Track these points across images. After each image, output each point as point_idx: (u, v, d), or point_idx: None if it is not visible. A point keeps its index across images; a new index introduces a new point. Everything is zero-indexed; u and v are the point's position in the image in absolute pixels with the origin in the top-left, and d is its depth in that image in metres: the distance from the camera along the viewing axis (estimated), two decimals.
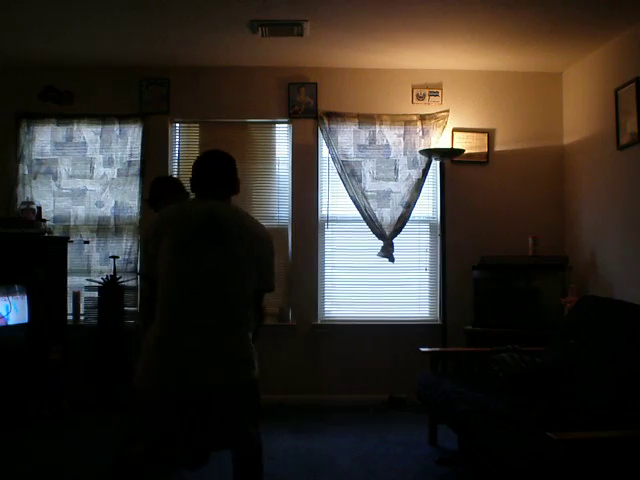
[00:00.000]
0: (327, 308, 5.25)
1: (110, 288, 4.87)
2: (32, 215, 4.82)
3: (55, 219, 5.08)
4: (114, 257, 4.96)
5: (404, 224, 5.11)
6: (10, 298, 4.44)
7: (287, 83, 5.18)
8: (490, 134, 5.23)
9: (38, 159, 5.14)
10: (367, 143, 5.17)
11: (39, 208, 4.91)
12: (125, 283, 4.96)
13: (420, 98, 5.20)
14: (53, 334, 4.63)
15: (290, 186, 5.20)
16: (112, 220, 5.13)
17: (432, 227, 5.25)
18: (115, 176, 5.13)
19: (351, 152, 5.14)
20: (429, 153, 4.96)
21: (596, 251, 4.69)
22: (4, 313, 4.39)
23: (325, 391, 5.09)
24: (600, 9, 3.90)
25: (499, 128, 5.24)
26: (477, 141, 5.21)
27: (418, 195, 5.12)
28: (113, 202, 5.12)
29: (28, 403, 4.47)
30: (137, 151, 5.13)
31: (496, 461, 2.74)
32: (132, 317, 5.06)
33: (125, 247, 5.10)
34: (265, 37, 4.35)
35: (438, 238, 5.10)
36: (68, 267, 4.85)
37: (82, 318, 5.05)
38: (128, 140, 5.14)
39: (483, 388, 3.54)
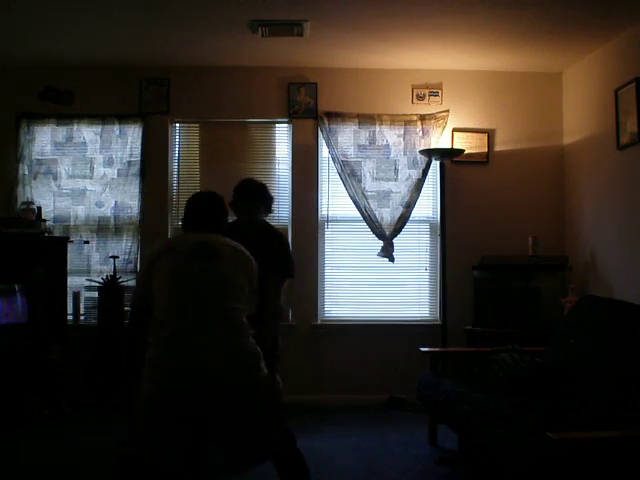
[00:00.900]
0: (327, 308, 5.25)
1: (110, 288, 4.87)
2: (32, 215, 4.82)
3: (55, 219, 5.08)
4: (114, 257, 4.96)
5: (404, 224, 5.11)
6: (10, 298, 4.44)
7: (287, 83, 5.18)
8: (490, 134, 5.23)
9: (38, 159, 5.14)
10: (367, 143, 5.17)
11: (39, 208, 4.91)
12: (125, 283, 4.96)
13: (420, 98, 5.20)
14: (53, 334, 4.64)
15: (290, 186, 5.20)
16: (112, 220, 5.13)
17: (432, 227, 5.25)
18: (115, 176, 5.14)
19: (351, 152, 5.14)
20: (429, 153, 4.96)
21: (596, 251, 4.69)
22: (4, 313, 4.39)
23: (325, 391, 5.09)
24: (600, 9, 3.90)
25: (499, 128, 5.24)
26: (477, 141, 5.21)
27: (418, 195, 5.12)
28: (113, 202, 5.12)
29: (28, 403, 4.47)
30: (137, 151, 5.13)
31: (496, 461, 2.74)
32: None
33: (125, 247, 5.10)
34: (265, 37, 4.35)
35: (438, 238, 5.10)
36: (68, 267, 4.85)
37: (82, 318, 5.05)
38: (128, 140, 5.14)
39: (483, 388, 3.54)
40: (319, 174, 5.21)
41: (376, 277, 5.21)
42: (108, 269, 5.00)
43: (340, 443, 4.12)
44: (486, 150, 5.21)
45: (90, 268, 5.11)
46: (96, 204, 5.13)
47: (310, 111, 5.17)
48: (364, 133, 5.16)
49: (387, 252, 5.08)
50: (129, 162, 5.13)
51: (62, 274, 4.78)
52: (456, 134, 5.20)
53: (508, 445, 2.67)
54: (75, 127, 5.15)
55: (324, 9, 3.96)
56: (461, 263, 5.00)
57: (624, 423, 2.73)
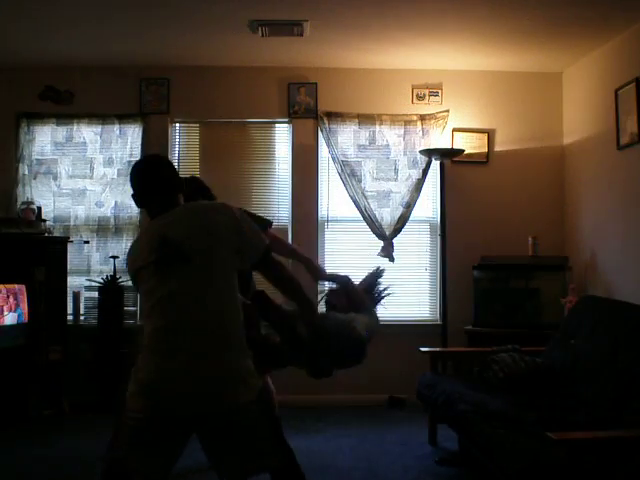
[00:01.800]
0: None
1: (110, 288, 4.87)
2: (32, 215, 4.82)
3: (55, 219, 5.08)
4: (114, 257, 4.96)
5: (404, 224, 5.11)
6: (10, 298, 4.44)
7: (287, 83, 5.18)
8: (490, 134, 5.23)
9: (38, 159, 5.14)
10: (367, 143, 5.17)
11: (39, 208, 4.91)
12: (125, 283, 4.96)
13: (420, 98, 5.20)
14: (53, 334, 4.64)
15: (290, 186, 5.20)
16: (112, 220, 5.14)
17: (432, 227, 5.25)
18: (115, 176, 5.14)
19: (351, 152, 5.14)
20: (429, 153, 4.96)
21: (596, 251, 4.69)
22: (4, 313, 4.39)
23: (325, 391, 5.08)
24: (600, 9, 3.90)
25: (499, 128, 5.24)
26: (477, 141, 5.21)
27: (418, 195, 5.12)
28: (113, 202, 5.13)
29: (28, 403, 4.47)
30: (137, 151, 5.13)
31: (496, 461, 2.74)
32: (132, 317, 5.07)
33: (125, 247, 5.09)
34: (265, 37, 4.35)
35: (438, 238, 5.10)
36: (68, 267, 4.86)
37: (82, 318, 5.05)
38: (128, 140, 5.15)
39: (483, 388, 3.54)
40: (319, 174, 5.21)
41: None
42: (108, 269, 5.00)
43: (340, 443, 4.12)
44: (486, 150, 5.21)
45: (90, 268, 5.11)
46: (96, 204, 5.13)
47: (310, 111, 5.17)
48: (364, 133, 5.16)
49: (387, 252, 5.08)
50: (129, 162, 5.12)
51: (62, 274, 4.78)
52: (456, 134, 5.20)
53: (508, 445, 2.67)
54: (75, 127, 5.15)
55: (324, 9, 3.96)
56: (461, 263, 5.00)
57: (624, 423, 2.73)
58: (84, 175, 5.14)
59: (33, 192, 5.08)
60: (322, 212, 5.21)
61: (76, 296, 5.02)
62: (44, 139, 5.15)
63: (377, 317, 3.09)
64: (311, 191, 5.18)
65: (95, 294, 4.96)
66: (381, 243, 5.09)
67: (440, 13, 4.00)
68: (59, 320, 4.73)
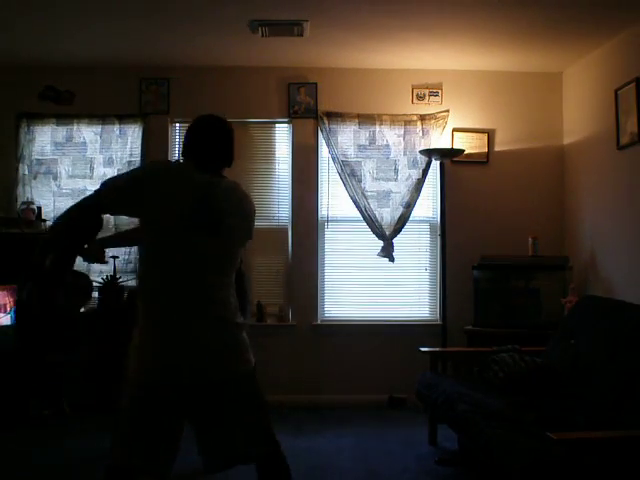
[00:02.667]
0: (327, 308, 5.25)
1: (110, 288, 4.87)
2: (32, 215, 4.83)
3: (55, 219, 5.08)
4: (114, 257, 4.96)
5: (404, 224, 5.11)
6: (10, 298, 4.44)
7: (287, 83, 5.18)
8: (490, 134, 5.23)
9: (38, 159, 5.14)
10: (367, 143, 5.17)
11: (39, 208, 4.91)
12: (125, 283, 4.96)
13: (420, 98, 5.20)
14: (53, 334, 4.63)
15: (290, 186, 5.20)
16: (112, 220, 5.13)
17: (432, 227, 5.25)
18: None
19: (351, 152, 5.14)
20: (429, 153, 4.96)
21: (596, 251, 4.69)
22: (4, 313, 4.39)
23: (325, 391, 5.09)
24: (600, 9, 3.90)
25: (499, 128, 5.24)
26: (477, 141, 5.21)
27: (418, 195, 5.12)
28: None
29: (28, 403, 4.48)
30: (137, 151, 5.13)
31: (496, 461, 2.74)
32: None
33: (125, 247, 5.09)
34: (265, 37, 4.35)
35: (438, 238, 5.10)
36: None
37: None
38: (128, 140, 5.15)
39: (483, 388, 3.54)
40: (319, 174, 5.21)
41: (376, 277, 5.21)
42: (108, 269, 4.99)
43: (340, 443, 4.12)
44: (486, 150, 5.21)
45: (90, 268, 5.10)
46: None
47: (310, 111, 5.17)
48: (364, 133, 5.16)
49: (387, 252, 5.08)
50: (129, 162, 5.13)
51: None
52: (456, 134, 5.20)
53: (508, 445, 2.67)
54: (75, 127, 5.15)
55: (324, 9, 3.96)
56: (461, 263, 5.00)
57: (624, 423, 2.73)
58: (84, 175, 5.14)
59: (33, 192, 5.08)
60: (322, 212, 5.21)
61: None
62: (44, 139, 5.15)
63: None
64: (311, 191, 5.18)
65: (95, 294, 4.95)
66: (381, 243, 5.09)
67: (440, 13, 4.00)
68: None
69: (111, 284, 4.88)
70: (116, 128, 5.15)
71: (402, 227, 5.10)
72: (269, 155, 5.27)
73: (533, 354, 3.72)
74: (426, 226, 5.27)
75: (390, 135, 5.16)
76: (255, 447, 2.20)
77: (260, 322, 5.05)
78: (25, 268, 2.38)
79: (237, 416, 2.17)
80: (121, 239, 3.17)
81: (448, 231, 4.97)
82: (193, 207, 2.10)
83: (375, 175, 5.14)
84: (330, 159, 5.15)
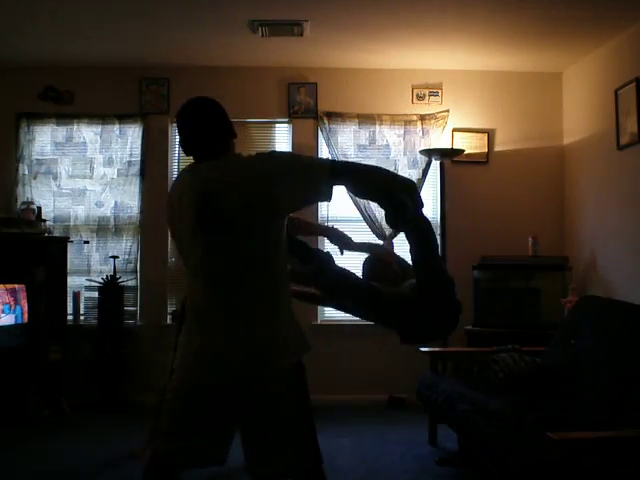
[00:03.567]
0: (327, 308, 5.24)
1: (110, 288, 4.87)
2: (32, 215, 4.82)
3: (55, 219, 5.08)
4: (114, 257, 4.96)
5: None
6: (10, 298, 4.44)
7: (287, 83, 5.18)
8: (490, 134, 5.23)
9: (38, 159, 5.14)
10: (367, 143, 5.17)
11: (39, 208, 4.91)
12: (125, 283, 4.96)
13: (420, 98, 5.20)
14: (53, 334, 4.64)
15: None
16: (112, 220, 5.13)
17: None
18: (115, 176, 5.13)
19: (351, 152, 5.14)
20: (429, 153, 4.96)
21: (596, 251, 4.69)
22: (4, 313, 4.39)
23: (325, 391, 5.07)
24: (600, 9, 3.90)
25: (499, 128, 5.24)
26: (477, 141, 5.21)
27: None
28: (113, 202, 5.12)
29: (28, 403, 4.47)
30: (137, 151, 5.13)
31: (496, 461, 2.74)
32: (132, 317, 5.07)
33: (125, 247, 5.10)
34: (265, 37, 4.35)
35: (438, 238, 5.09)
36: (68, 267, 4.85)
37: (82, 318, 5.05)
38: (128, 140, 5.15)
39: (483, 388, 3.54)
40: None
41: None
42: (108, 269, 5.00)
43: (340, 443, 4.12)
44: (486, 150, 5.21)
45: (90, 268, 5.11)
46: (96, 204, 5.13)
47: (310, 111, 5.17)
48: (364, 133, 5.16)
49: None
50: (129, 162, 5.13)
51: (62, 274, 4.78)
52: (456, 134, 5.20)
53: (508, 445, 2.67)
54: (75, 127, 5.15)
55: (324, 9, 3.96)
56: (461, 263, 4.98)
57: (624, 423, 2.73)
58: (84, 175, 5.14)
59: (33, 192, 5.08)
60: (322, 212, 5.21)
61: (76, 296, 5.02)
62: (44, 139, 5.15)
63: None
64: None
65: (95, 294, 4.96)
66: (381, 243, 5.09)
67: (440, 13, 4.00)
68: (59, 320, 4.73)
69: (111, 284, 4.88)
70: (116, 128, 5.15)
71: None
72: None
73: (533, 354, 3.72)
74: None
75: (390, 135, 5.16)
76: (302, 458, 2.11)
77: None
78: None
79: (277, 412, 2.06)
80: None
81: (448, 231, 4.96)
82: (195, 210, 1.99)
83: None
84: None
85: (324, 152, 5.20)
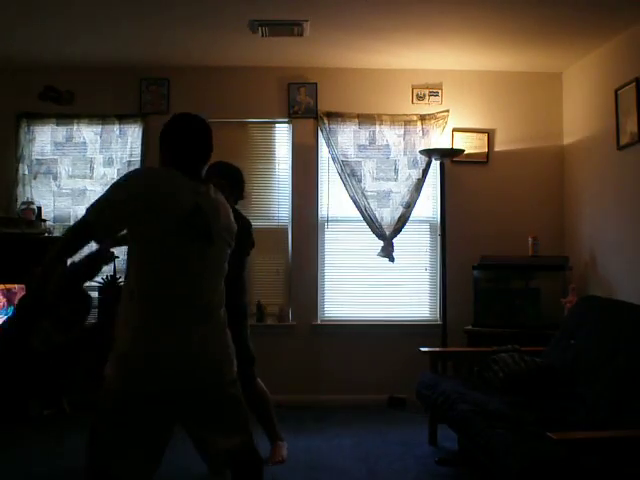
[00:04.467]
0: (327, 308, 5.24)
1: (110, 288, 4.87)
2: (32, 215, 4.82)
3: (55, 219, 5.08)
4: (114, 257, 4.95)
5: (404, 224, 5.11)
6: (10, 298, 4.44)
7: (287, 83, 5.18)
8: (490, 134, 5.23)
9: (38, 159, 5.14)
10: (367, 143, 5.17)
11: (39, 208, 4.91)
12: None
13: (420, 98, 5.20)
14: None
15: (290, 186, 5.19)
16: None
17: (432, 227, 5.25)
18: (115, 176, 5.12)
19: (351, 152, 5.14)
20: (429, 153, 4.96)
21: (596, 251, 4.69)
22: (4, 313, 4.40)
23: (325, 391, 5.08)
24: (600, 9, 3.90)
25: (499, 128, 5.24)
26: (477, 141, 5.21)
27: (418, 195, 5.12)
28: None
29: (28, 403, 4.47)
30: (137, 151, 5.13)
31: (496, 461, 2.74)
32: None
33: (125, 247, 5.08)
34: (265, 37, 4.35)
35: (438, 238, 5.10)
36: None
37: None
38: (128, 140, 5.15)
39: (483, 388, 3.55)
40: (319, 174, 5.21)
41: (376, 277, 5.21)
42: (108, 269, 4.99)
43: (340, 443, 4.12)
44: (486, 150, 5.21)
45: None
46: None
47: (310, 111, 5.17)
48: (364, 133, 5.16)
49: (387, 252, 5.08)
50: (129, 162, 5.13)
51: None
52: (456, 134, 5.20)
53: (508, 445, 2.67)
54: (75, 127, 5.15)
55: (324, 9, 3.96)
56: (461, 263, 5.00)
57: (624, 423, 2.73)
58: (84, 175, 5.14)
59: (33, 192, 5.08)
60: (322, 212, 5.21)
61: None
62: (44, 139, 5.15)
63: None
64: (311, 191, 5.18)
65: (95, 294, 4.95)
66: (381, 243, 5.09)
67: (440, 13, 4.00)
68: None
69: (111, 284, 4.88)
70: (116, 128, 5.15)
71: (402, 227, 5.10)
72: (269, 155, 5.27)
73: (533, 354, 3.72)
74: (426, 226, 5.27)
75: (390, 135, 5.16)
76: (236, 437, 2.22)
77: (260, 322, 5.05)
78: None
79: (223, 416, 2.22)
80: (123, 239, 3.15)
81: (448, 231, 4.96)
82: (188, 217, 2.11)
83: (375, 175, 5.14)
84: (330, 159, 5.15)
85: (324, 152, 5.20)
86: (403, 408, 4.95)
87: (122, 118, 5.15)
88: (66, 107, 5.14)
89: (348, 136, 5.14)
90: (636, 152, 4.13)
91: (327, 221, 5.21)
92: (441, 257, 5.00)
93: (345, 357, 5.11)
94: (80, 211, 5.11)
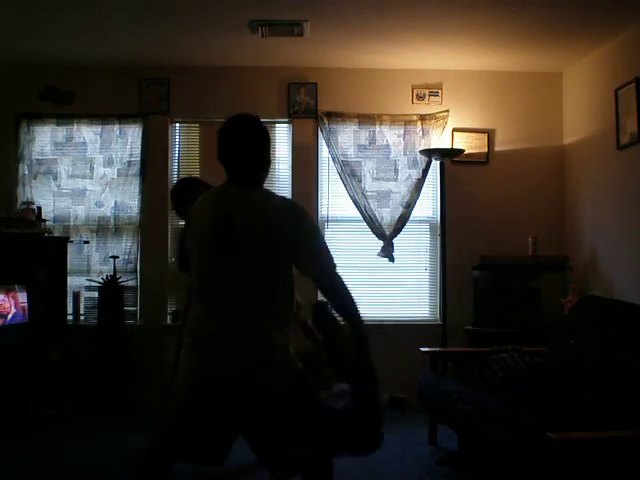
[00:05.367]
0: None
1: (110, 288, 4.87)
2: (32, 215, 4.82)
3: (55, 219, 5.08)
4: (114, 257, 4.96)
5: (404, 224, 5.11)
6: (10, 298, 4.44)
7: (287, 83, 5.18)
8: (490, 134, 5.23)
9: (38, 159, 5.14)
10: (367, 143, 5.17)
11: (39, 208, 4.91)
12: (125, 283, 4.96)
13: (420, 98, 5.20)
14: (53, 334, 4.63)
15: (290, 186, 5.19)
16: (112, 220, 5.13)
17: (432, 227, 5.25)
18: (115, 176, 5.14)
19: (351, 152, 5.14)
20: (429, 153, 4.96)
21: (596, 251, 4.69)
22: (4, 313, 4.39)
23: None
24: (600, 9, 3.90)
25: (499, 128, 5.24)
26: (477, 141, 5.21)
27: (418, 195, 5.12)
28: (113, 202, 5.12)
29: (28, 403, 4.47)
30: (137, 151, 5.13)
31: (496, 461, 2.74)
32: (132, 317, 5.07)
33: (125, 247, 5.10)
34: (265, 37, 4.35)
35: (438, 238, 5.10)
36: (68, 267, 4.85)
37: (82, 318, 5.05)
38: (128, 140, 5.15)
39: (483, 388, 3.54)
40: (319, 174, 5.21)
41: (376, 277, 5.21)
42: (108, 269, 5.00)
43: None
44: (486, 150, 5.21)
45: (90, 268, 5.11)
46: (96, 204, 5.13)
47: (310, 111, 5.17)
48: (364, 133, 5.16)
49: (387, 252, 5.08)
50: (129, 162, 5.13)
51: (62, 274, 4.78)
52: (456, 134, 5.20)
53: (508, 445, 2.67)
54: (75, 127, 5.15)
55: (324, 9, 3.96)
56: (461, 263, 4.99)
57: (624, 423, 2.73)
58: (84, 175, 5.14)
59: (33, 192, 5.08)
60: (322, 212, 5.21)
61: (76, 296, 5.02)
62: (44, 139, 5.15)
63: None
64: (311, 191, 5.18)
65: (95, 294, 4.96)
66: (381, 243, 5.09)
67: (440, 13, 4.00)
68: (59, 320, 4.73)
69: (111, 284, 4.88)
70: (116, 128, 5.15)
71: (402, 227, 5.10)
72: None
73: (533, 354, 3.72)
74: (426, 226, 5.27)
75: (390, 135, 5.16)
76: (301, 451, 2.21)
77: None
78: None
79: (284, 422, 2.15)
80: None
81: (448, 231, 4.96)
82: (214, 229, 2.11)
83: (375, 175, 5.14)
84: (330, 159, 5.15)
85: (324, 152, 5.20)
86: (403, 408, 4.95)
87: (122, 118, 5.15)
88: (66, 107, 5.14)
89: (348, 136, 5.14)
90: (636, 152, 4.13)
91: (327, 221, 5.21)
92: (441, 257, 5.00)
93: None
94: (80, 211, 5.12)
